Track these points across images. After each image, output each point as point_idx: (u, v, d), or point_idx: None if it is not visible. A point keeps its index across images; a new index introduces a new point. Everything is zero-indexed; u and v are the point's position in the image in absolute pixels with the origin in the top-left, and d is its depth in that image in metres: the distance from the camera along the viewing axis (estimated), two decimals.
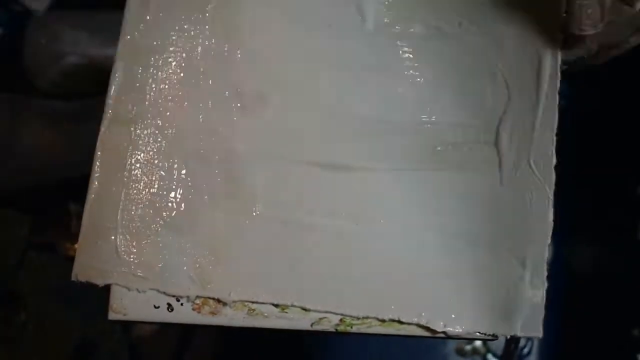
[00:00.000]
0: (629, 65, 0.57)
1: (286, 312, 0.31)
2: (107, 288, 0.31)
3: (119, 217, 0.31)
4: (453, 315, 0.31)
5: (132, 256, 0.31)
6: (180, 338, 0.63)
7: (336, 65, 0.33)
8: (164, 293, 0.31)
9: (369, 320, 0.31)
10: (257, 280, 0.31)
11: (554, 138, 0.32)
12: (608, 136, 0.61)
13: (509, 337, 0.31)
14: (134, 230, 0.31)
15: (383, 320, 0.31)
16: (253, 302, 0.31)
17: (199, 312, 0.31)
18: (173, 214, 0.32)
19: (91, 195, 0.31)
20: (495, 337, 0.31)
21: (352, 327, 0.31)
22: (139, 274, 0.31)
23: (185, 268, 0.31)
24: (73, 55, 0.62)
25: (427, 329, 0.31)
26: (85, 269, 0.31)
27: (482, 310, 0.31)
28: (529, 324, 0.31)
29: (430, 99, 0.33)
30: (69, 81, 0.63)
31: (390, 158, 0.32)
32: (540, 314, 0.31)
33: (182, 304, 0.31)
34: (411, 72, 0.33)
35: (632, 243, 0.54)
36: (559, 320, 0.64)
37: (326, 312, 0.31)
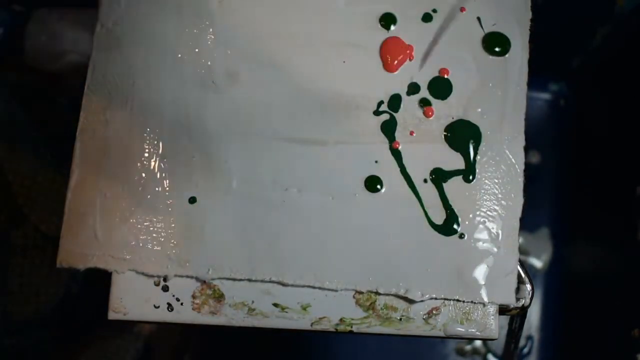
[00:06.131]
0: (629, 65, 0.57)
1: (286, 312, 0.31)
2: (107, 288, 0.31)
3: (97, 202, 0.32)
4: (430, 285, 0.31)
5: (110, 239, 0.31)
6: (180, 338, 0.63)
7: (306, 42, 0.34)
8: (143, 273, 0.31)
9: (369, 319, 0.31)
10: (235, 257, 0.31)
11: (523, 121, 0.33)
12: (608, 136, 0.61)
13: (486, 304, 0.31)
14: (111, 214, 0.32)
15: (361, 292, 0.31)
16: (233, 280, 0.31)
17: (199, 312, 0.31)
18: (149, 195, 0.32)
19: (72, 183, 0.32)
20: (495, 337, 0.31)
21: (352, 327, 0.31)
22: (117, 256, 0.31)
23: (162, 247, 0.31)
24: (73, 54, 0.62)
25: (426, 323, 0.31)
26: (67, 255, 0.31)
27: (459, 278, 0.31)
28: (503, 292, 0.31)
29: (399, 77, 0.34)
30: (70, 80, 0.63)
31: (362, 132, 0.33)
32: (513, 283, 0.31)
33: (182, 304, 0.31)
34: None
35: (632, 243, 0.54)
36: (559, 321, 0.64)
37: (305, 286, 0.31)
